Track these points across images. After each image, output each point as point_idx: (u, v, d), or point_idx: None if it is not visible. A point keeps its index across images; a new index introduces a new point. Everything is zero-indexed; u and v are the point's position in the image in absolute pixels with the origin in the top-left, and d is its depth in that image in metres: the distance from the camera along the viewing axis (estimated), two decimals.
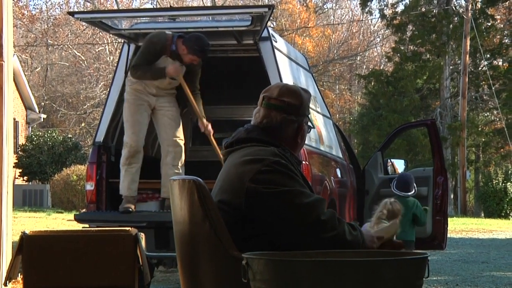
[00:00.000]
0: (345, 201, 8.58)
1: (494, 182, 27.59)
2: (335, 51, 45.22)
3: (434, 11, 34.23)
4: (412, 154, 33.32)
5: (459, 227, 19.05)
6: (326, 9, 48.34)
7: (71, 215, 15.94)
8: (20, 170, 25.83)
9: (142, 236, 3.79)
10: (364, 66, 46.21)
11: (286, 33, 40.63)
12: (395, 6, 37.01)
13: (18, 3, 41.42)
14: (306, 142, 3.74)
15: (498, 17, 37.14)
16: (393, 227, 3.38)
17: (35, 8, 51.20)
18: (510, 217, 26.95)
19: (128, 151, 6.95)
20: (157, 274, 8.63)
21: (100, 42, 40.80)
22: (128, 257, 3.70)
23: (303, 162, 6.65)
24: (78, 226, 7.03)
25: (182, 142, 7.09)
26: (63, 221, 16.65)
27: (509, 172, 28.38)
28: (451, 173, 31.81)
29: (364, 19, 45.01)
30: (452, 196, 32.39)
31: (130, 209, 6.88)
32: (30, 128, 32.26)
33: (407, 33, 35.37)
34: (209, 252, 3.04)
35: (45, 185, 25.19)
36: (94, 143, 7.35)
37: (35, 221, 16.32)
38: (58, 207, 22.00)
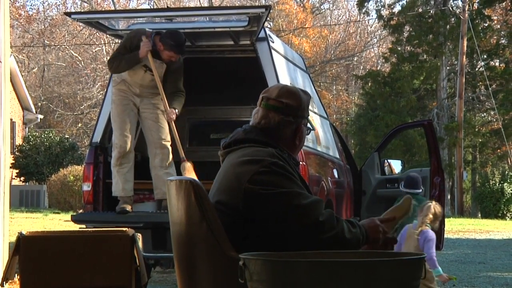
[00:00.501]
0: (342, 202, 8.58)
1: (491, 183, 27.58)
2: (332, 52, 45.20)
3: (431, 11, 34.26)
4: (409, 154, 33.35)
5: (456, 227, 19.05)
6: (323, 10, 48.34)
7: (68, 216, 15.89)
8: (17, 171, 25.78)
9: (139, 236, 3.78)
10: (361, 67, 46.20)
11: (283, 33, 40.62)
12: (392, 6, 37.04)
13: (15, 3, 41.36)
14: None
15: (495, 17, 37.17)
16: (406, 204, 3.27)
17: (32, 9, 51.33)
18: (507, 217, 26.94)
19: (118, 152, 6.94)
20: (154, 274, 8.63)
21: (97, 43, 40.74)
22: (125, 258, 3.69)
23: (301, 162, 6.65)
24: (75, 227, 7.03)
25: (168, 144, 7.07)
26: (60, 222, 16.64)
27: (506, 172, 28.39)
28: (448, 174, 31.80)
29: (361, 20, 44.98)
30: (449, 197, 32.41)
31: (127, 210, 6.89)
32: (27, 128, 32.21)
33: (404, 33, 35.42)
34: (206, 253, 3.04)
35: (42, 185, 25.15)
36: (91, 144, 7.35)
37: (32, 222, 16.31)
38: (55, 207, 21.96)
